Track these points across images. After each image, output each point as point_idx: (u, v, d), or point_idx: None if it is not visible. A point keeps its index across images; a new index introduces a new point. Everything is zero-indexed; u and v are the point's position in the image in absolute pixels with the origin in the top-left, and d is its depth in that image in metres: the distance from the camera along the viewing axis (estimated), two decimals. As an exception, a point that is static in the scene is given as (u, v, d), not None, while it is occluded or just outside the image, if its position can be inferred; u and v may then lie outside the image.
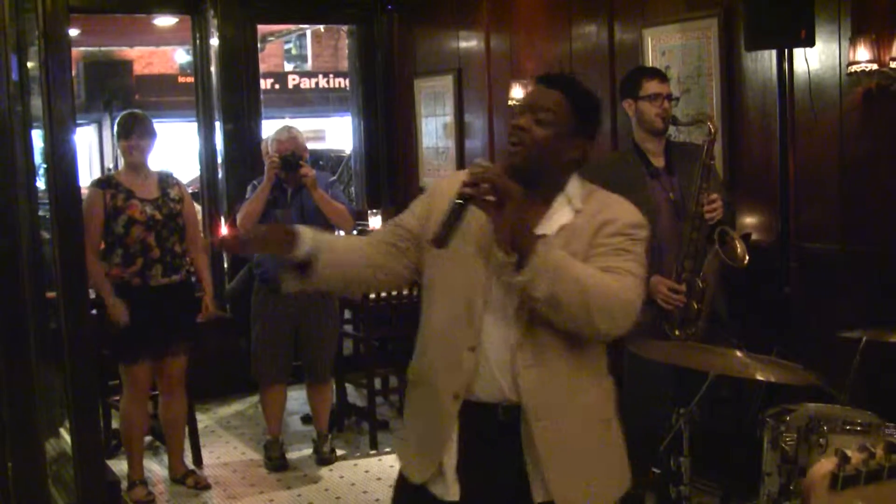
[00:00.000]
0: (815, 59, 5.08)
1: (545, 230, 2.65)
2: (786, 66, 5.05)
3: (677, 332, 4.58)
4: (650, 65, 5.80)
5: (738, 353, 3.70)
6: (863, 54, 4.76)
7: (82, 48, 16.37)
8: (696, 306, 4.55)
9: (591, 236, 2.65)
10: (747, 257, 4.52)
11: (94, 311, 5.32)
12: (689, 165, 4.60)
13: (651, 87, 4.65)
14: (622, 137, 6.27)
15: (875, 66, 4.75)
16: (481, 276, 2.66)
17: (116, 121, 5.81)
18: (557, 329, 2.58)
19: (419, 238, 2.78)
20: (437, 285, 2.77)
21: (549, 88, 2.71)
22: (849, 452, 1.69)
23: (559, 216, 2.69)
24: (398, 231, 2.84)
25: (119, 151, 5.77)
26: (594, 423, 2.73)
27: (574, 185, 2.75)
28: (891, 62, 4.69)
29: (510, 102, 7.09)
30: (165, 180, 5.75)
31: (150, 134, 5.68)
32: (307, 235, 2.72)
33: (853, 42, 4.81)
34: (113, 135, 6.01)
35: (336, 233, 5.67)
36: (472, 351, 2.64)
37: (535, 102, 2.70)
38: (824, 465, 1.70)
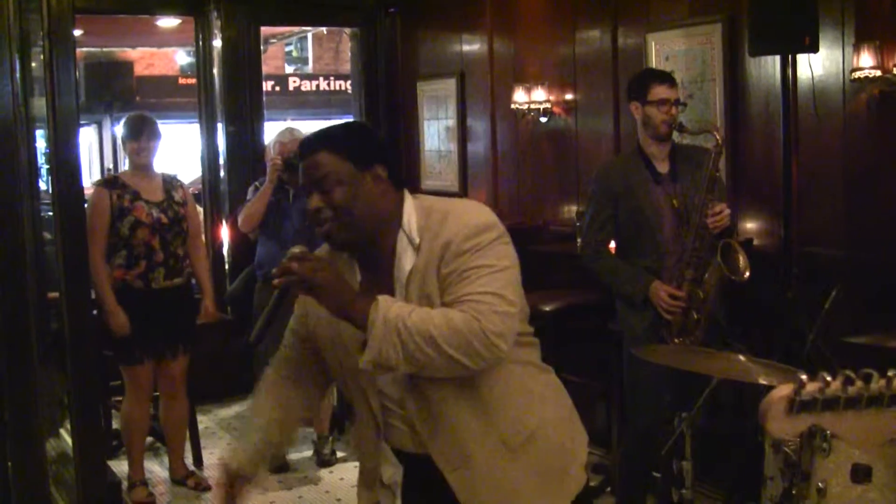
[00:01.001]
0: (819, 65, 5.08)
1: (398, 280, 2.57)
2: (789, 71, 5.04)
3: (676, 341, 4.57)
4: (654, 70, 5.80)
5: (741, 358, 3.70)
6: (866, 60, 4.76)
7: (84, 49, 16.36)
8: (695, 316, 4.55)
9: (436, 267, 2.52)
10: (749, 271, 4.51)
11: (95, 312, 5.32)
12: (693, 171, 4.59)
13: (659, 92, 4.63)
14: (625, 140, 6.28)
15: (879, 73, 4.75)
16: (353, 357, 2.54)
17: (123, 122, 5.80)
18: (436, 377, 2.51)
19: (312, 334, 2.79)
20: (334, 376, 2.80)
21: (309, 158, 2.58)
22: (804, 379, 1.73)
23: (404, 261, 2.57)
24: (295, 338, 2.89)
25: (126, 153, 5.75)
26: (509, 450, 2.62)
27: (409, 214, 2.61)
28: (894, 68, 4.69)
29: (513, 106, 7.09)
30: (170, 182, 5.77)
31: (158, 136, 5.71)
32: (241, 459, 2.82)
33: (857, 48, 4.81)
34: (113, 136, 5.98)
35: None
36: (378, 429, 2.68)
37: (309, 178, 2.58)
38: (782, 390, 1.74)
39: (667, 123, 4.62)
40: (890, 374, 1.77)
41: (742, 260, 4.54)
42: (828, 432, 3.34)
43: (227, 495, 2.78)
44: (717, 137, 4.56)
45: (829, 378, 1.75)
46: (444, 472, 2.59)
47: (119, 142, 6.09)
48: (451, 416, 2.57)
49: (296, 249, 2.50)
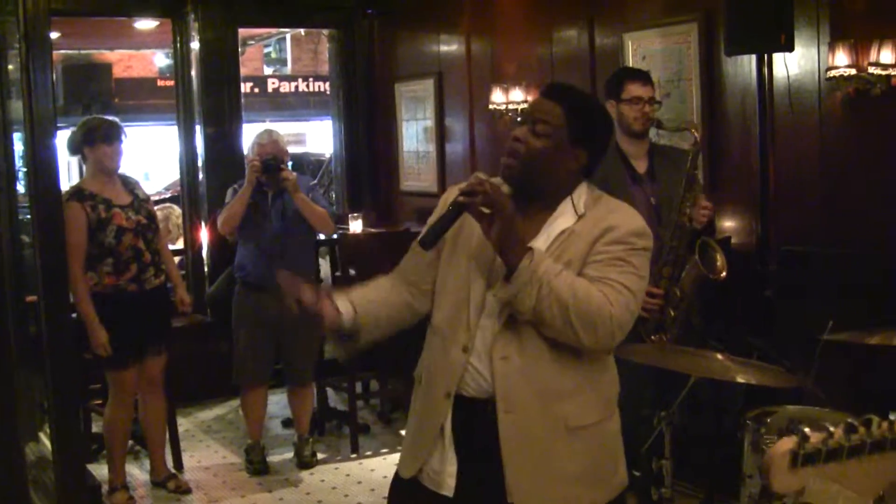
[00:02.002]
0: (795, 63, 5.11)
1: (544, 236, 2.70)
2: (765, 70, 5.07)
3: (653, 338, 4.58)
4: (631, 69, 5.81)
5: (720, 356, 3.71)
6: (841, 59, 4.79)
7: (61, 51, 16.30)
8: (671, 314, 4.56)
9: (591, 242, 2.66)
10: (726, 270, 4.53)
11: (74, 315, 5.30)
12: (671, 171, 4.59)
13: (633, 89, 4.63)
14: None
15: (854, 71, 4.78)
16: (480, 281, 2.70)
17: (86, 128, 5.63)
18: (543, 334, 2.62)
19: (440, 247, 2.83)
20: (442, 288, 2.82)
21: (547, 100, 2.74)
22: (808, 431, 1.73)
23: (561, 221, 2.71)
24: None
25: (94, 157, 5.57)
26: (566, 429, 2.69)
27: (581, 191, 2.76)
28: (869, 67, 4.72)
29: (490, 106, 7.10)
30: (127, 182, 5.72)
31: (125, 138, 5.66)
32: (347, 305, 2.78)
33: (832, 47, 4.84)
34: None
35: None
36: (465, 352, 2.69)
37: (533, 114, 2.73)
38: (784, 444, 1.73)
39: (640, 120, 4.62)
40: (892, 417, 1.78)
41: (720, 259, 4.55)
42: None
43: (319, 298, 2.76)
44: (696, 135, 4.58)
45: (832, 428, 1.76)
46: (500, 413, 2.65)
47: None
48: (533, 365, 2.66)
49: (481, 175, 2.63)
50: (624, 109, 4.64)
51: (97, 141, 5.55)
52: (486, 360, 2.67)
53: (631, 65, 5.94)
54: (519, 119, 2.78)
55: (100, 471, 5.87)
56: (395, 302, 2.88)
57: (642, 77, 4.74)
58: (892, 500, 3.24)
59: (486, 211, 2.54)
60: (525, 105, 6.93)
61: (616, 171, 4.66)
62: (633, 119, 4.62)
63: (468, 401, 2.70)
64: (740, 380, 3.58)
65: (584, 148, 2.73)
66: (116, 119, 5.81)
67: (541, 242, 2.67)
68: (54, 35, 11.11)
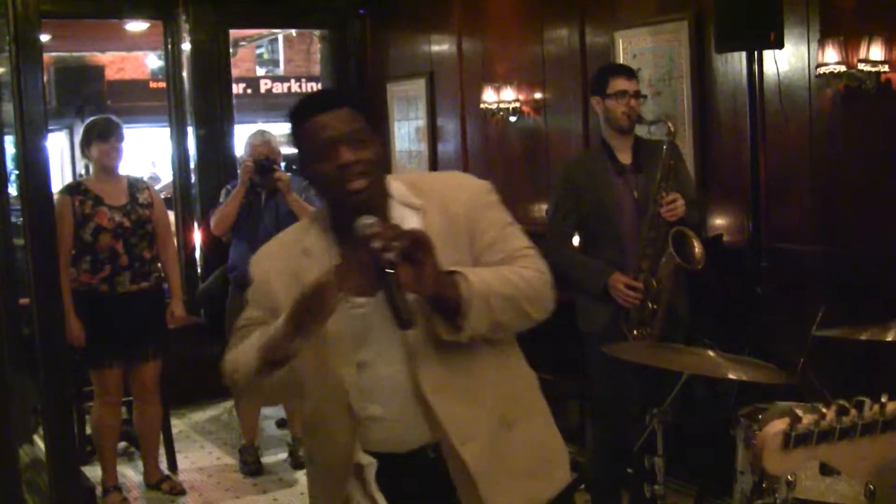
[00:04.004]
0: (785, 61, 5.12)
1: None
2: (755, 68, 5.08)
3: (635, 332, 4.56)
4: (622, 68, 5.81)
5: (711, 353, 3.72)
6: (831, 56, 4.80)
7: (53, 53, 16.28)
8: (651, 306, 4.55)
9: (466, 225, 2.46)
10: (703, 261, 4.51)
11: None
12: (655, 164, 4.61)
13: (617, 84, 4.63)
14: (594, 138, 6.30)
15: (843, 68, 4.79)
16: (345, 350, 2.44)
17: (86, 126, 5.76)
18: (450, 344, 2.38)
19: None
20: (303, 375, 2.49)
21: (339, 111, 2.40)
22: (799, 412, 1.74)
23: (408, 224, 2.38)
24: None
25: (90, 157, 5.70)
26: (507, 426, 2.53)
27: (396, 186, 2.50)
28: (859, 63, 4.73)
29: (482, 105, 7.11)
30: (135, 185, 5.74)
31: (123, 137, 5.69)
32: None
33: (821, 44, 4.85)
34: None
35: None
36: (355, 438, 2.49)
37: (339, 131, 2.37)
38: (777, 426, 1.74)
39: (627, 115, 4.61)
40: (883, 399, 1.78)
41: (697, 248, 4.53)
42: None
43: None
44: (670, 127, 4.59)
45: (823, 409, 1.76)
46: (457, 447, 2.42)
47: (76, 149, 5.99)
48: (459, 384, 2.45)
49: (368, 219, 2.26)
50: (610, 105, 4.65)
51: (93, 139, 5.66)
52: (410, 408, 2.44)
53: (622, 63, 5.94)
54: (329, 146, 2.36)
55: (94, 472, 5.88)
56: None
57: (625, 71, 4.77)
58: (882, 487, 3.25)
59: (412, 257, 2.21)
60: (516, 104, 6.96)
61: (600, 163, 4.68)
62: (620, 114, 4.61)
63: (399, 458, 2.50)
64: (731, 376, 3.59)
65: (378, 133, 2.50)
66: (110, 117, 5.84)
67: None
68: (46, 37, 11.10)
